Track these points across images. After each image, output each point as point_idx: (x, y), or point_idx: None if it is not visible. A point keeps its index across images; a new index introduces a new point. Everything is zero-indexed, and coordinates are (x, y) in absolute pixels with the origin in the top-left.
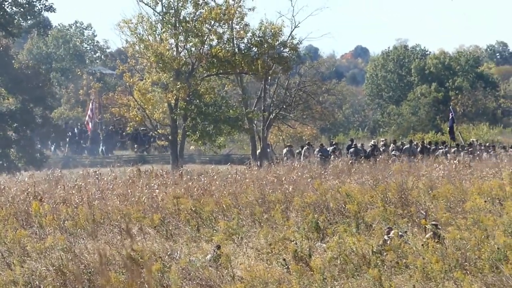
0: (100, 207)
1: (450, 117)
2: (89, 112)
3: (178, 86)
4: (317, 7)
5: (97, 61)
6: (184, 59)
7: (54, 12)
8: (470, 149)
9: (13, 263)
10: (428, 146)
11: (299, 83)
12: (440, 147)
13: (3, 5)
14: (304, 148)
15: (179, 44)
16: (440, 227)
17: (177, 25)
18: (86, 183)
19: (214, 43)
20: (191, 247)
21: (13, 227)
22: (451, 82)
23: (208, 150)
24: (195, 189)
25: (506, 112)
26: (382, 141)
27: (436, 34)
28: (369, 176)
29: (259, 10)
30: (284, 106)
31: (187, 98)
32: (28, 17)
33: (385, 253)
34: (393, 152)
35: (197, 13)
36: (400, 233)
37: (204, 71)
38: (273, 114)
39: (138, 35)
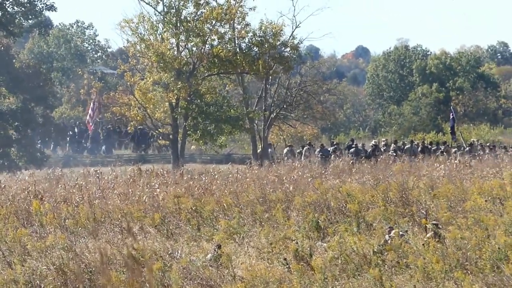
0: (101, 206)
1: (451, 117)
2: (90, 111)
3: (179, 86)
4: (318, 7)
5: (98, 60)
6: (185, 59)
7: (55, 11)
8: (470, 149)
9: (13, 262)
10: (429, 146)
11: (300, 83)
12: (440, 147)
13: (4, 5)
14: (305, 148)
15: (180, 43)
16: (440, 227)
17: (178, 24)
18: (86, 182)
19: (215, 42)
20: (192, 246)
21: (14, 226)
22: (452, 83)
23: (209, 150)
24: (196, 188)
25: (507, 112)
26: (383, 141)
27: (437, 34)
28: (370, 175)
29: (260, 10)
30: (285, 106)
31: (188, 98)
32: (29, 17)
33: (386, 253)
34: (390, 153)
35: (198, 13)
36: (401, 233)
37: (205, 71)
38: (274, 114)
39: (139, 35)
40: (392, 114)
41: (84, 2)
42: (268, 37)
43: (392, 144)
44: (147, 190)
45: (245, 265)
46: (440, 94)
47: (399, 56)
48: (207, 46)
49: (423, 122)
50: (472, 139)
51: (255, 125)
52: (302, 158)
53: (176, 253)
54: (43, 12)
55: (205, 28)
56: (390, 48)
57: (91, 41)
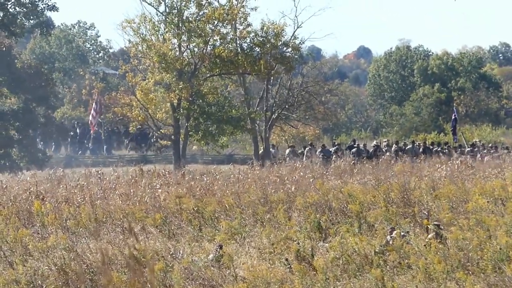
0: (103, 207)
1: (452, 118)
2: (92, 111)
3: (181, 86)
4: (320, 7)
5: (100, 61)
6: (187, 59)
7: (57, 11)
8: (472, 150)
9: (15, 262)
10: (431, 147)
11: (301, 83)
12: (444, 149)
13: (6, 5)
14: (307, 148)
15: (182, 44)
16: (442, 228)
17: (180, 25)
18: (88, 183)
19: (217, 43)
20: (194, 247)
21: (15, 226)
22: (454, 83)
23: (210, 150)
24: (198, 188)
25: (508, 113)
26: (385, 141)
27: (439, 35)
28: (371, 176)
29: (262, 10)
30: (287, 106)
31: (190, 98)
32: (31, 17)
33: (387, 253)
34: (387, 153)
35: (200, 13)
36: (402, 233)
37: (207, 71)
38: (276, 114)
39: (141, 35)
40: (394, 115)
41: (86, 2)
42: (270, 38)
43: (394, 145)
44: (148, 190)
45: (247, 266)
46: (442, 94)
47: (401, 57)
48: (209, 46)
49: (425, 123)
50: (474, 140)
51: (256, 125)
52: (304, 158)
53: (178, 254)
54: (45, 13)
55: (207, 29)
56: (391, 48)
57: (92, 41)
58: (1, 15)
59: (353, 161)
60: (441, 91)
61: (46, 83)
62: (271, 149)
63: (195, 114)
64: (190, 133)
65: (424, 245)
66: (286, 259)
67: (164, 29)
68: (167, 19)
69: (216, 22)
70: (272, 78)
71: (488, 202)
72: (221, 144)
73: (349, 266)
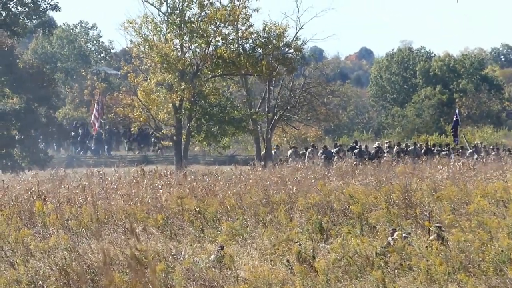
0: (104, 207)
1: (454, 119)
2: (94, 112)
3: (183, 87)
4: (322, 8)
5: (102, 61)
6: (189, 60)
7: (59, 11)
8: (474, 152)
9: (16, 262)
10: (432, 148)
11: (303, 85)
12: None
13: (8, 5)
14: (308, 149)
15: (184, 44)
16: (444, 229)
17: (182, 25)
18: (90, 183)
19: (219, 44)
20: (195, 248)
21: (17, 226)
22: (456, 85)
23: (212, 151)
24: (199, 189)
25: (510, 114)
26: (387, 143)
27: (441, 36)
28: (373, 177)
29: (264, 11)
30: (289, 107)
31: (192, 99)
32: (33, 17)
33: (388, 255)
34: (385, 155)
35: (202, 14)
36: (404, 235)
37: (209, 72)
38: (278, 115)
39: (143, 35)
40: (396, 116)
41: (88, 2)
42: (272, 38)
43: (396, 146)
44: (150, 191)
45: (248, 267)
46: (444, 96)
47: (403, 58)
48: (211, 47)
49: (426, 124)
50: (475, 142)
51: (258, 126)
52: (306, 159)
53: (179, 254)
54: (47, 12)
55: (209, 29)
56: (393, 50)
57: (94, 41)
58: (3, 15)
59: (354, 163)
60: (443, 92)
61: (48, 83)
62: (275, 150)
63: (197, 114)
64: (192, 133)
65: (426, 247)
66: (288, 260)
67: (166, 30)
68: (169, 19)
69: (218, 23)
70: (274, 79)
71: (489, 204)
72: (223, 145)
73: (350, 268)
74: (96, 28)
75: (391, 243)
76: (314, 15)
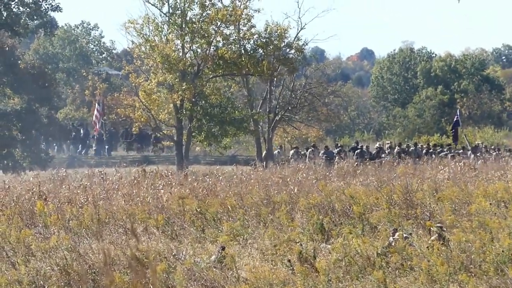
0: (105, 207)
1: (454, 120)
2: (95, 112)
3: (184, 87)
4: (324, 9)
5: (103, 61)
6: (190, 60)
7: (60, 12)
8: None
9: (17, 262)
10: (432, 150)
11: (304, 85)
12: (445, 150)
13: (10, 5)
14: (309, 150)
15: (185, 45)
16: (445, 229)
17: (183, 26)
18: (91, 183)
19: (220, 44)
20: (196, 248)
21: (18, 226)
22: (457, 85)
23: (213, 151)
24: (200, 189)
25: (511, 115)
26: (388, 143)
27: (442, 36)
28: (374, 178)
29: (265, 12)
30: (290, 108)
31: (193, 99)
32: (35, 17)
33: (390, 255)
34: (383, 155)
35: (204, 14)
36: (405, 235)
37: (210, 72)
38: (279, 116)
39: (144, 36)
40: (397, 117)
41: (89, 3)
42: (273, 39)
43: (397, 147)
44: (151, 191)
45: (249, 267)
46: (445, 96)
47: (404, 59)
48: (212, 47)
49: (428, 125)
50: (476, 142)
51: (259, 127)
52: (307, 160)
53: (180, 255)
54: (48, 13)
55: (210, 30)
56: (394, 50)
57: (96, 42)
58: (5, 15)
59: (356, 163)
60: (444, 93)
61: (49, 84)
62: (278, 151)
63: (198, 115)
64: (193, 134)
65: (427, 247)
66: (289, 261)
67: (168, 30)
68: (171, 20)
69: (219, 23)
70: (275, 79)
71: (490, 204)
72: (224, 145)
73: (351, 268)
74: (98, 28)
75: (392, 244)
76: (316, 15)
